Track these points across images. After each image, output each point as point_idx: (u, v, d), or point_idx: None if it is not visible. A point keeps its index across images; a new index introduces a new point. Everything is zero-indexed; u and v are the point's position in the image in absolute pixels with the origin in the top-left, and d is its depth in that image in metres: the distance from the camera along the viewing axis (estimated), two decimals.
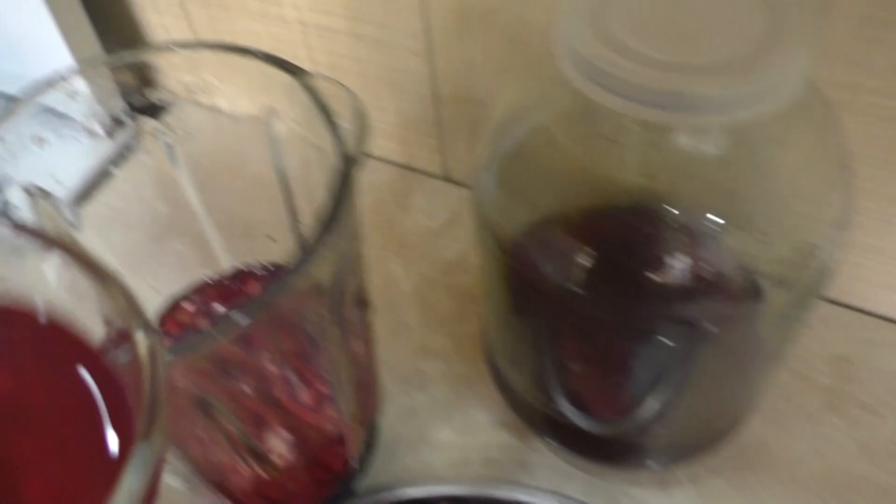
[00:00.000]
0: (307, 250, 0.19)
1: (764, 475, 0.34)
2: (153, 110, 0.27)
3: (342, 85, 0.22)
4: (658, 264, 0.24)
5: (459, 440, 0.36)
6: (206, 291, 0.31)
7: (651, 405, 0.29)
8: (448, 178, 0.46)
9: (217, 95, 0.26)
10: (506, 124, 0.26)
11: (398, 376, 0.38)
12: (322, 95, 0.22)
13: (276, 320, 0.20)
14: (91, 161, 0.27)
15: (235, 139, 0.27)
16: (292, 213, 0.29)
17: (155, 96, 0.26)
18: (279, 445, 0.25)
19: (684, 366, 0.27)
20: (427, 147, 0.45)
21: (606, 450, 0.33)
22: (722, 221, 0.22)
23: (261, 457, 0.24)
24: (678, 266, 0.24)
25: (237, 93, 0.26)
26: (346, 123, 0.22)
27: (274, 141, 0.27)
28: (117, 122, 0.27)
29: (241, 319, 0.17)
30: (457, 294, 0.41)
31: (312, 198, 0.28)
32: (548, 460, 0.35)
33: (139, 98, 0.26)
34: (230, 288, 0.31)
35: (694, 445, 0.32)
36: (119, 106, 0.26)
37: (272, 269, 0.32)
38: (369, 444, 0.35)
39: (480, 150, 0.27)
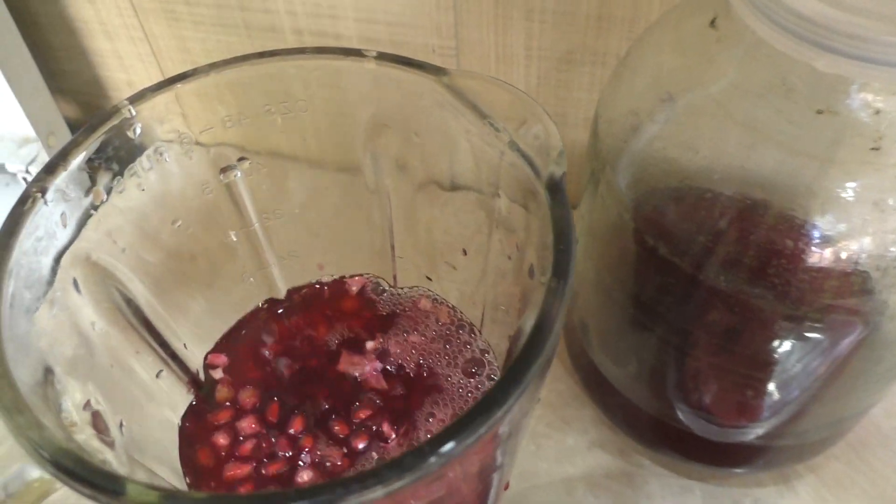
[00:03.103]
0: (551, 301, 0.15)
1: (879, 450, 0.33)
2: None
3: (504, 82, 0.18)
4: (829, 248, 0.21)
5: (558, 470, 0.33)
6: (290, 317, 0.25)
7: (788, 405, 0.27)
8: None
9: (305, 111, 0.21)
10: (654, 94, 0.23)
11: None
12: (479, 98, 0.18)
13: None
14: None
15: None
16: (390, 243, 0.24)
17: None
18: None
19: (829, 361, 0.25)
20: None
21: (728, 456, 0.31)
22: None
23: None
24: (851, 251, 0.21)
25: (338, 107, 0.21)
26: (521, 129, 0.18)
27: (379, 158, 0.22)
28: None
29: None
30: None
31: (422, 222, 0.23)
32: (658, 475, 0.33)
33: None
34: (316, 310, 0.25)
35: (823, 442, 0.30)
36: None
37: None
38: None
39: (604, 136, 0.24)
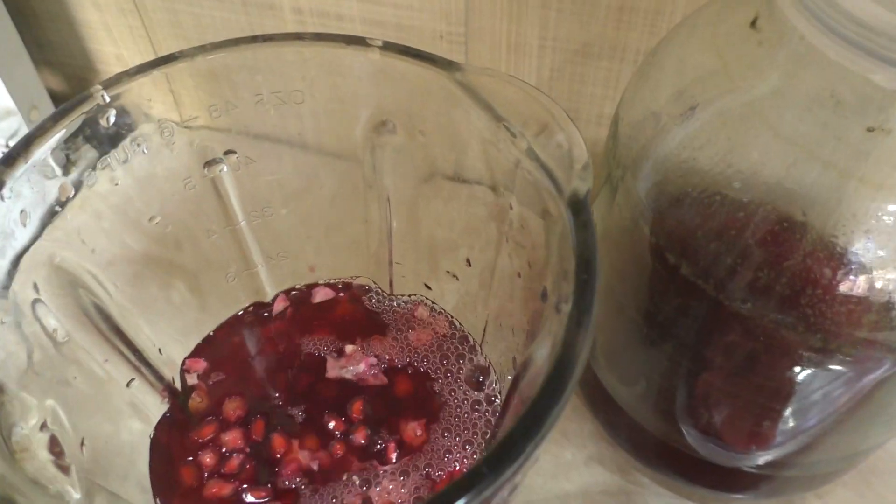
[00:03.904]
0: (570, 340, 0.13)
1: (889, 477, 0.31)
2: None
3: (528, 84, 0.16)
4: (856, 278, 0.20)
5: (553, 486, 0.31)
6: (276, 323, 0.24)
7: (802, 436, 0.25)
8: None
9: (300, 103, 0.19)
10: (684, 98, 0.22)
11: None
12: (494, 98, 0.16)
13: None
14: None
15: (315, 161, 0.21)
16: (388, 248, 0.22)
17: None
18: None
19: (850, 395, 0.23)
20: None
21: (733, 481, 0.29)
22: None
23: None
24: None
25: (336, 101, 0.19)
26: (542, 137, 0.16)
27: (380, 156, 0.20)
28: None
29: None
30: None
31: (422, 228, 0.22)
32: (657, 495, 0.31)
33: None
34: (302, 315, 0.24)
35: (833, 474, 0.29)
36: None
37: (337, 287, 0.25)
38: None
39: (626, 140, 0.22)
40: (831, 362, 0.21)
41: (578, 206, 0.14)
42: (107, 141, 0.17)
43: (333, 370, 0.22)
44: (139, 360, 0.20)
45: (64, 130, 0.16)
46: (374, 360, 0.22)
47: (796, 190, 0.20)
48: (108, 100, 0.17)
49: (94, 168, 0.17)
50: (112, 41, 0.40)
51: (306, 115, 0.19)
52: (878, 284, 0.20)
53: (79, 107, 0.16)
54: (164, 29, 0.38)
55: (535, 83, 0.36)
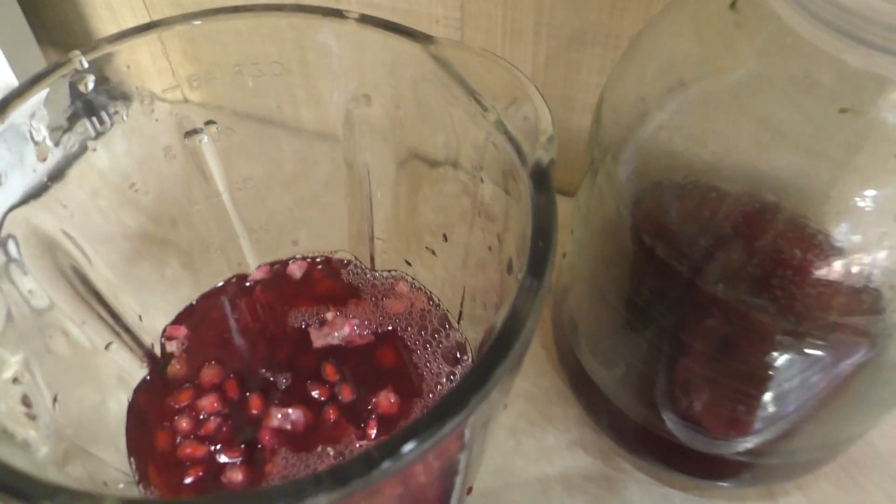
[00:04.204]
0: (521, 300, 0.13)
1: (872, 472, 0.31)
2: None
3: (500, 57, 0.16)
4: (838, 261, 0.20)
5: (535, 469, 0.31)
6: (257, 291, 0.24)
7: (780, 423, 0.25)
8: None
9: (279, 74, 0.20)
10: (665, 81, 0.22)
11: None
12: (467, 71, 0.17)
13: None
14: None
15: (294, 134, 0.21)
16: (369, 224, 0.22)
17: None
18: None
19: (828, 381, 0.23)
20: None
21: (712, 468, 0.30)
22: None
23: None
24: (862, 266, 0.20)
25: (314, 73, 0.19)
26: (510, 109, 0.16)
27: (360, 131, 0.20)
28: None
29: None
30: None
31: (402, 202, 0.22)
32: (638, 481, 0.31)
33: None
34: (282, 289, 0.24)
35: (813, 462, 0.29)
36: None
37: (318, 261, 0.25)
38: None
39: (609, 124, 0.22)
40: (805, 346, 0.21)
41: (540, 176, 0.15)
42: (86, 107, 0.18)
43: (318, 340, 0.23)
44: (118, 324, 0.20)
45: (42, 93, 0.16)
46: (357, 322, 0.23)
47: (769, 171, 0.20)
48: (86, 65, 0.17)
49: (72, 132, 0.18)
50: (114, 21, 0.40)
51: (283, 87, 0.19)
52: (852, 269, 0.20)
53: (56, 71, 0.17)
54: (165, 8, 0.38)
55: (530, 70, 0.36)
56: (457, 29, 0.35)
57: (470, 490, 0.20)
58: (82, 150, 0.18)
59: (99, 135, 0.18)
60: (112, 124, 0.18)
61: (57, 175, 0.17)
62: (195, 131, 0.20)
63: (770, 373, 0.23)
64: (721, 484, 0.30)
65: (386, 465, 0.11)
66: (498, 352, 0.12)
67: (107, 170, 0.19)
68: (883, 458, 0.31)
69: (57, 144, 0.17)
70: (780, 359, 0.23)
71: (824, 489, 0.31)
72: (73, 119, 0.18)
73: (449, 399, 0.12)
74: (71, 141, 0.18)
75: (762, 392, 0.24)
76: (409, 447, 0.11)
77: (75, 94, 0.17)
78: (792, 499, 0.31)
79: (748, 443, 0.27)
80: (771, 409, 0.25)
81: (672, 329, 0.24)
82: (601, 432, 0.32)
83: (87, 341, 0.19)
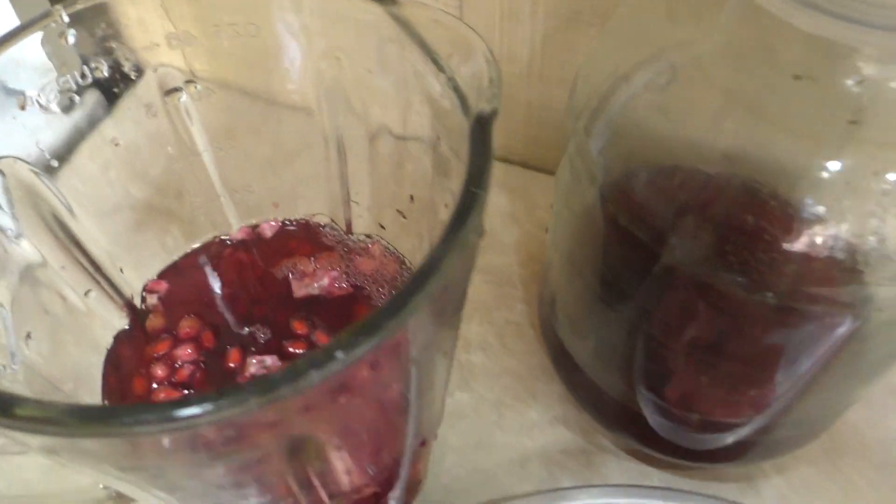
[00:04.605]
0: (450, 238, 0.14)
1: (856, 459, 0.31)
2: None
3: (453, 17, 0.17)
4: (815, 232, 0.20)
5: (516, 443, 0.32)
6: (231, 251, 0.25)
7: (753, 399, 0.25)
8: None
9: (254, 36, 0.20)
10: (623, 66, 0.22)
11: None
12: (427, 32, 0.17)
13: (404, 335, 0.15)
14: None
15: (273, 94, 0.22)
16: (344, 186, 0.23)
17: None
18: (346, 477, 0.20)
19: (809, 355, 0.23)
20: None
21: (686, 447, 0.30)
22: None
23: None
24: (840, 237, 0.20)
25: (280, 30, 0.20)
26: (463, 67, 0.17)
27: (333, 95, 0.21)
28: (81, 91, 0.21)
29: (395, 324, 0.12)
30: (491, 278, 0.36)
31: (379, 165, 0.22)
32: (617, 458, 0.31)
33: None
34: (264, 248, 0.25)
35: (791, 440, 0.29)
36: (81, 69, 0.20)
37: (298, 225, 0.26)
38: None
39: (582, 98, 0.23)
40: (771, 318, 0.21)
41: (476, 126, 0.15)
42: (66, 60, 0.19)
43: (300, 290, 0.23)
44: (98, 272, 0.21)
45: (22, 45, 0.17)
46: (336, 274, 0.23)
47: (730, 142, 0.20)
48: (66, 20, 0.18)
49: (53, 86, 0.19)
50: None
51: (257, 49, 0.20)
52: (806, 236, 0.20)
53: (37, 24, 0.18)
54: None
55: (528, 53, 0.36)
56: (455, 8, 0.36)
57: (424, 443, 0.20)
58: (63, 103, 0.19)
59: (80, 89, 0.19)
60: (91, 79, 0.19)
61: (36, 125, 0.18)
62: (175, 90, 0.21)
63: (735, 346, 0.23)
64: (696, 464, 0.30)
65: (313, 374, 0.12)
66: (415, 285, 0.13)
67: (87, 124, 0.20)
68: (867, 445, 0.31)
69: (36, 96, 0.18)
70: (746, 332, 0.23)
71: (805, 473, 0.31)
72: (53, 73, 0.19)
73: (367, 320, 0.12)
74: (52, 93, 0.19)
75: (724, 365, 0.24)
76: (334, 355, 0.12)
77: (56, 47, 0.18)
78: (772, 482, 0.31)
79: (718, 419, 0.27)
80: (739, 385, 0.25)
81: (641, 303, 0.24)
82: (583, 410, 0.32)
83: (66, 286, 0.20)
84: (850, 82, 0.17)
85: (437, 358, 0.17)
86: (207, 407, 0.12)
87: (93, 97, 0.20)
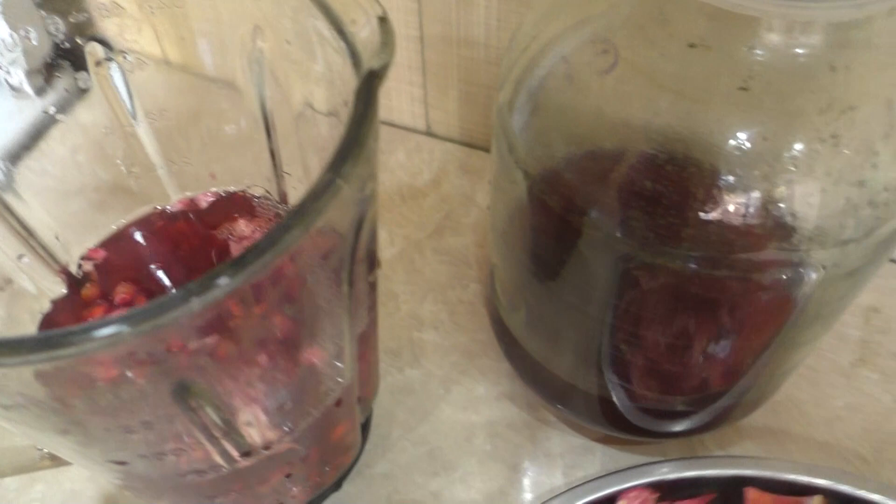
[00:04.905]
0: (323, 182, 0.15)
1: (798, 435, 0.31)
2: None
3: None
4: (736, 198, 0.20)
5: (462, 417, 0.32)
6: (167, 223, 0.25)
7: (673, 368, 0.26)
8: (431, 133, 0.42)
9: (180, 7, 0.21)
10: (542, 38, 0.22)
11: (387, 350, 0.34)
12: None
13: (280, 272, 0.15)
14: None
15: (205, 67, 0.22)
16: (272, 154, 0.24)
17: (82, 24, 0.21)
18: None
19: (739, 325, 0.23)
20: (409, 98, 0.41)
21: (623, 420, 0.30)
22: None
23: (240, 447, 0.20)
24: (751, 202, 0.20)
25: (207, 8, 0.21)
26: (362, 32, 0.17)
27: (257, 67, 0.22)
28: (49, 72, 0.22)
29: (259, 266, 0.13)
30: (447, 258, 0.37)
31: (305, 137, 0.23)
32: (562, 433, 0.32)
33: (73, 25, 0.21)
34: (202, 219, 0.25)
35: (732, 412, 0.29)
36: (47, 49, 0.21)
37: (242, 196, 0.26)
38: (363, 427, 0.30)
39: (505, 70, 0.23)
40: (685, 284, 0.22)
41: (362, 84, 0.16)
42: None
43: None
44: (31, 237, 0.22)
45: None
46: None
47: (633, 113, 0.20)
48: None
49: None
50: None
51: (183, 22, 0.21)
52: (729, 207, 0.20)
53: None
54: None
55: (484, 35, 0.37)
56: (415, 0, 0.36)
57: (340, 403, 0.21)
58: None
59: (11, 57, 0.20)
60: (20, 50, 0.20)
61: None
62: (106, 59, 0.22)
63: (660, 317, 0.24)
64: (638, 438, 0.31)
65: (194, 301, 0.13)
66: (288, 222, 0.13)
67: (17, 91, 0.21)
68: (812, 423, 0.31)
69: None
70: (667, 302, 0.23)
71: (748, 448, 0.31)
72: None
73: (246, 252, 0.13)
74: None
75: (655, 338, 0.25)
76: (219, 281, 0.13)
77: None
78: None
79: (642, 389, 0.27)
80: (665, 356, 0.25)
81: (569, 279, 0.25)
82: (527, 385, 0.33)
83: None
84: (739, 50, 0.18)
85: (335, 308, 0.18)
86: (89, 335, 0.12)
87: (19, 64, 0.20)
